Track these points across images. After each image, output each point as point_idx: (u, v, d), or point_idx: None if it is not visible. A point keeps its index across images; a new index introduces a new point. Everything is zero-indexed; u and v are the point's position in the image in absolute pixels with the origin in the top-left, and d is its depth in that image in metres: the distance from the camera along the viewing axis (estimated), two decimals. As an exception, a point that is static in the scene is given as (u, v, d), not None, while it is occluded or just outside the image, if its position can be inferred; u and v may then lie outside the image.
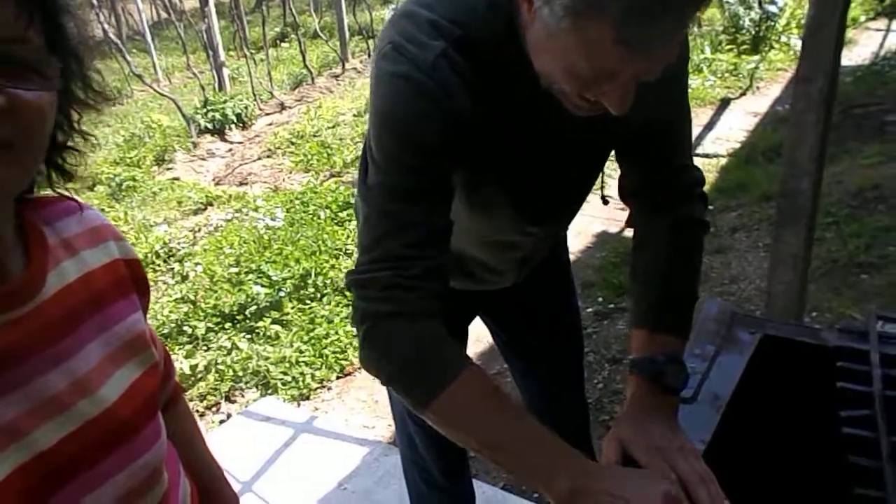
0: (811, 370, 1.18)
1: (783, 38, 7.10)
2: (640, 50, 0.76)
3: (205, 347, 3.55)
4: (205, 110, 7.59)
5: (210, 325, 3.69)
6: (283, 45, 11.78)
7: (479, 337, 1.70)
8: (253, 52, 9.26)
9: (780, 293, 2.36)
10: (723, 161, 4.86)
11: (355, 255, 1.00)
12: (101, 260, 0.81)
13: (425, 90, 0.89)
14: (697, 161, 1.20)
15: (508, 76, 0.93)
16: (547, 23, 0.79)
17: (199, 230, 5.17)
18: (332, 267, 4.01)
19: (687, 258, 1.15)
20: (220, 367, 3.32)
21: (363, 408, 2.96)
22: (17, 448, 0.66)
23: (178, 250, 4.75)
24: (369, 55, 9.25)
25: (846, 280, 3.14)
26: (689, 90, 1.24)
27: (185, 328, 3.68)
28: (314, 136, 6.80)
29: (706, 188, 1.20)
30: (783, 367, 1.24)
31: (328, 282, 3.87)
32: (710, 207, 4.20)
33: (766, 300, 2.43)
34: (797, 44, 6.29)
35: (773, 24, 7.10)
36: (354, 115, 7.26)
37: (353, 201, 4.78)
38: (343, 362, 3.22)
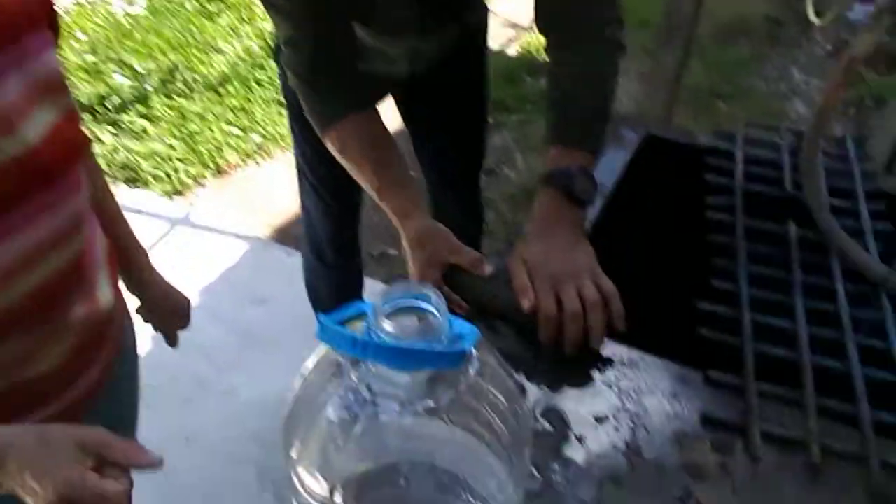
0: (685, 165, 1.31)
1: None
2: None
3: (63, 139, 3.32)
4: None
5: (67, 115, 3.42)
6: None
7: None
8: None
9: (651, 111, 2.52)
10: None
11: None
12: None
13: None
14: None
15: None
16: None
17: (44, 11, 4.62)
18: (202, 62, 3.76)
19: (600, 77, 1.12)
20: (82, 159, 3.13)
21: (240, 205, 2.94)
22: None
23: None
24: None
25: (707, 107, 3.38)
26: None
27: (39, 117, 3.39)
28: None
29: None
30: (662, 163, 1.38)
31: (198, 77, 3.64)
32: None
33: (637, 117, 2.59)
34: None
35: None
36: None
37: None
38: (219, 160, 3.13)
